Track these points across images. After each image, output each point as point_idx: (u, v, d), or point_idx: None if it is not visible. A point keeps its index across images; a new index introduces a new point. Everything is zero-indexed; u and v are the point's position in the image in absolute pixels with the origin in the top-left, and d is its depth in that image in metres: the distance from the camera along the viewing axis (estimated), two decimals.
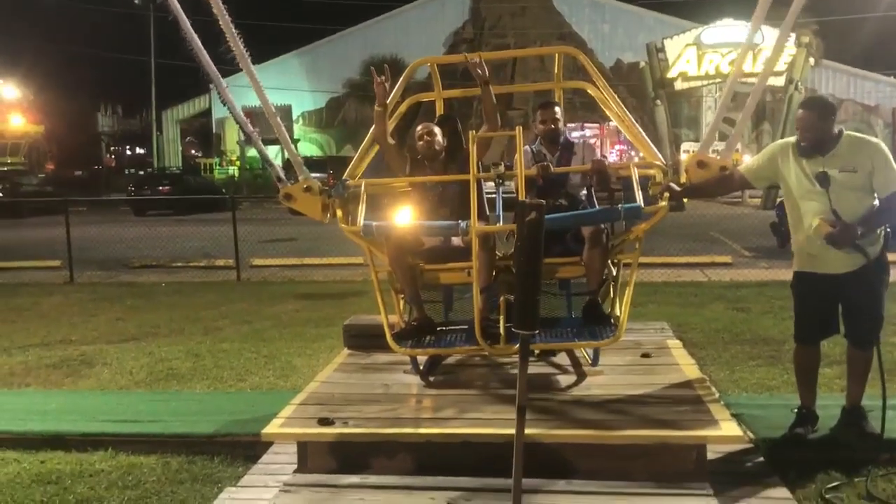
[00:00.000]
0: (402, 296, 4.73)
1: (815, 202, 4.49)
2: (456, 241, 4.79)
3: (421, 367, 4.81)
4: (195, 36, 4.32)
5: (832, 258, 4.48)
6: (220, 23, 4.26)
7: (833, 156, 4.46)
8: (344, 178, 4.80)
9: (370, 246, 4.63)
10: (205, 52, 4.38)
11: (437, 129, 4.97)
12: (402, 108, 5.54)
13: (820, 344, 4.84)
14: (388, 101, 4.77)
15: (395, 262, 4.54)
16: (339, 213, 4.64)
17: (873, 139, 4.51)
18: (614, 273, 4.77)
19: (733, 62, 26.58)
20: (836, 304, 4.65)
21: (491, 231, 4.40)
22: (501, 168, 4.52)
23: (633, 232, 4.58)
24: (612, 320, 4.45)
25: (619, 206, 4.39)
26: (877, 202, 4.41)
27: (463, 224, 4.28)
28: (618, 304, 4.55)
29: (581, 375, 4.70)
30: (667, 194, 4.47)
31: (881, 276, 4.54)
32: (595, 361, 4.83)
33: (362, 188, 4.64)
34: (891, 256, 4.60)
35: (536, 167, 4.61)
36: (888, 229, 4.52)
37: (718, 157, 4.69)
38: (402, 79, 5.21)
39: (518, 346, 3.98)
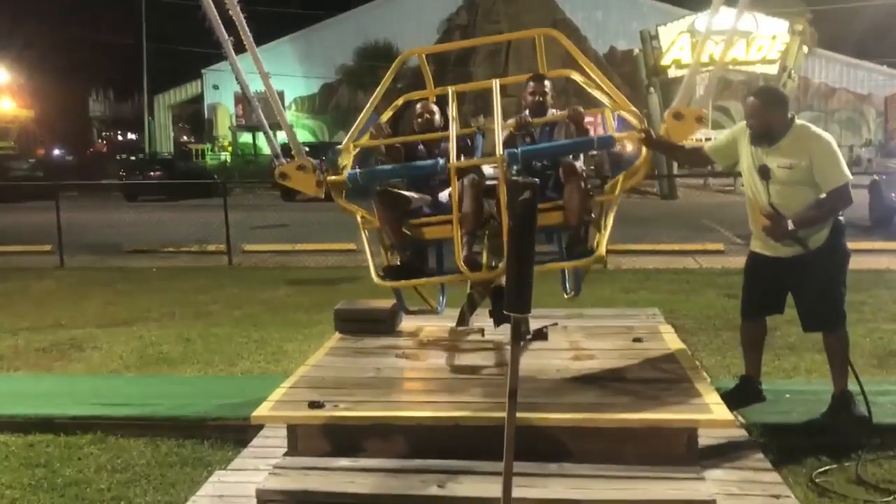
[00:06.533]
0: (391, 249, 4.78)
1: (759, 191, 4.60)
2: (443, 197, 4.79)
3: (432, 307, 5.11)
4: (212, 7, 4.32)
5: (777, 244, 4.58)
6: (231, 12, 4.29)
7: (778, 148, 4.50)
8: (336, 147, 4.92)
9: (360, 211, 4.72)
10: (220, 23, 4.39)
11: (435, 108, 5.12)
12: (400, 101, 5.65)
13: (764, 319, 4.98)
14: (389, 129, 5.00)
15: (383, 214, 4.55)
16: (331, 179, 4.73)
17: (821, 134, 4.49)
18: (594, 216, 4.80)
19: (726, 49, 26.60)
20: (782, 286, 4.75)
21: (469, 165, 4.53)
22: (481, 119, 4.65)
23: (619, 183, 4.63)
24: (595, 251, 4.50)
25: (593, 137, 4.58)
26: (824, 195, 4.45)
27: (441, 161, 4.38)
28: (600, 235, 4.57)
29: (573, 359, 4.70)
30: (646, 150, 4.61)
31: (832, 263, 4.56)
32: (577, 291, 4.85)
33: (349, 143, 4.83)
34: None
35: (515, 119, 4.70)
36: (840, 218, 4.56)
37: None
38: (389, 72, 5.26)
39: (497, 274, 4.12)
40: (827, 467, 4.20)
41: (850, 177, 4.44)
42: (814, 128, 4.54)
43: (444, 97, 5.47)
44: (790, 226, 4.42)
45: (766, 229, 4.53)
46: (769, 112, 4.50)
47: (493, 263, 4.44)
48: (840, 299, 4.63)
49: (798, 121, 4.54)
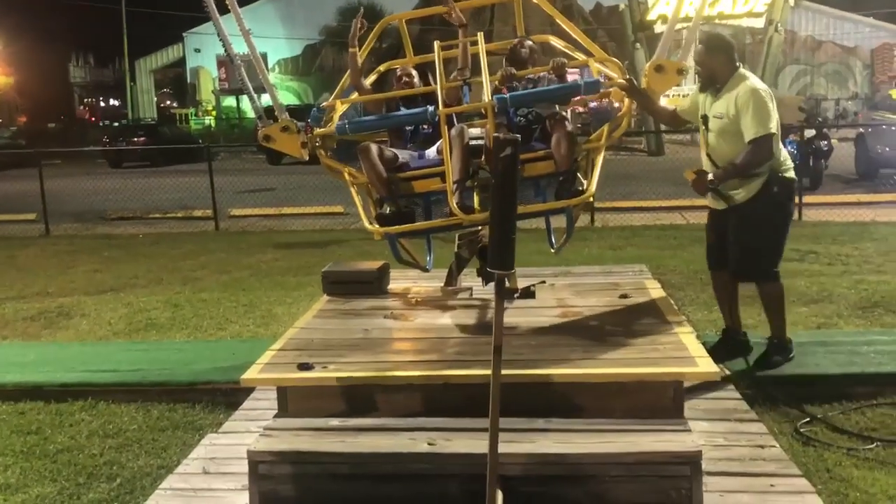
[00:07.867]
0: (379, 203, 4.75)
1: (702, 143, 4.67)
2: (430, 153, 4.77)
3: (420, 265, 5.06)
4: None
5: (705, 196, 4.69)
6: None
7: (718, 98, 4.52)
8: (320, 105, 4.89)
9: (346, 168, 4.69)
10: None
11: (414, 72, 5.04)
12: (382, 67, 5.62)
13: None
14: (357, 43, 4.84)
15: (370, 168, 4.51)
16: (319, 132, 4.70)
17: (752, 85, 4.41)
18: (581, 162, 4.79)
19: (713, 3, 26.34)
20: (723, 238, 4.77)
21: (459, 111, 4.60)
22: (467, 73, 4.74)
23: (604, 132, 4.63)
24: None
25: (580, 80, 4.57)
26: None
27: (431, 108, 4.35)
28: (589, 178, 4.56)
29: (559, 316, 4.71)
30: (628, 101, 4.61)
31: (762, 216, 4.54)
32: (569, 234, 4.75)
33: (335, 100, 4.83)
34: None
35: (501, 71, 4.67)
36: (782, 173, 4.54)
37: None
38: (370, 37, 5.23)
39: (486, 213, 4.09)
40: (811, 417, 4.26)
41: (773, 130, 4.35)
42: (751, 79, 4.47)
43: (425, 63, 5.46)
44: (710, 177, 4.46)
45: (692, 184, 4.57)
46: (711, 58, 4.51)
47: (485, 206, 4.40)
48: (769, 252, 4.62)
49: (741, 70, 4.50)
